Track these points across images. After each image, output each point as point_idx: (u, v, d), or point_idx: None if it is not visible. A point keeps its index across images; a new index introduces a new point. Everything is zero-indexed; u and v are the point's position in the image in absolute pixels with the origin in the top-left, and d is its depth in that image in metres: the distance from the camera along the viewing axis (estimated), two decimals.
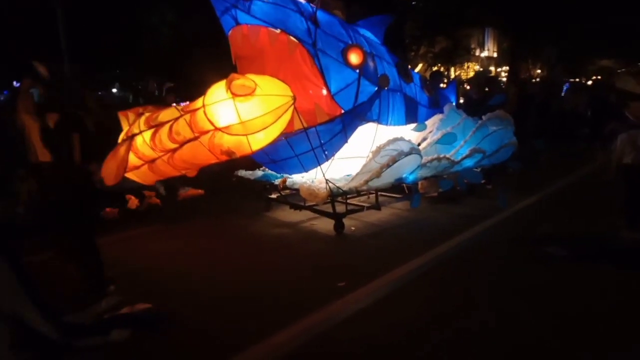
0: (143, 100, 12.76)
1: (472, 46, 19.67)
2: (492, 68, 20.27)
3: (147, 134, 3.96)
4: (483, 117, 5.68)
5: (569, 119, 10.62)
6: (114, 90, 18.97)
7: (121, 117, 4.38)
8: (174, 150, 3.95)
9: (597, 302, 3.19)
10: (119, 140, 4.18)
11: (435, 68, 17.79)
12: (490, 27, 19.44)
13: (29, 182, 4.44)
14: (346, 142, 4.98)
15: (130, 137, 3.99)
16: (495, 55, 20.85)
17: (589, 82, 17.17)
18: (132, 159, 4.09)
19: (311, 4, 5.01)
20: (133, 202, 5.38)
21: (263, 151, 4.95)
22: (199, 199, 6.23)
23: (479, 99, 6.72)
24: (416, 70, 18.36)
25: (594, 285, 3.48)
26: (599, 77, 17.89)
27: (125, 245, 4.61)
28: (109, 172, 3.98)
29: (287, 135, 4.72)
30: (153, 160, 4.06)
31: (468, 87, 6.98)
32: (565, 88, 12.25)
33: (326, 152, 4.85)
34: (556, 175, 7.54)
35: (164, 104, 5.78)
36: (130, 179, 4.41)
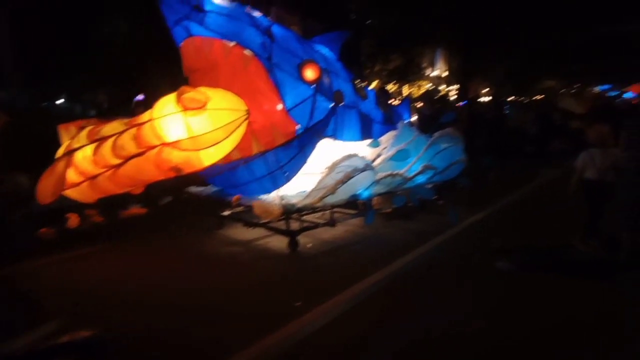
0: (95, 113, 12.16)
1: (424, 65, 20.35)
2: (442, 87, 21.06)
3: (89, 149, 3.70)
4: (434, 134, 5.82)
5: (516, 137, 11.20)
6: (61, 101, 17.92)
7: (61, 130, 4.08)
8: (118, 166, 3.71)
9: (548, 313, 3.29)
10: (57, 155, 3.88)
11: (389, 85, 18.21)
12: (440, 46, 20.20)
13: None
14: (305, 161, 4.95)
15: (70, 152, 3.71)
16: (445, 74, 21.72)
17: (533, 100, 18.23)
18: (72, 176, 3.80)
19: (267, 17, 4.95)
20: (74, 220, 5.00)
21: (221, 176, 4.88)
22: (147, 216, 5.91)
23: (431, 115, 6.90)
24: (371, 87, 18.78)
25: (543, 297, 3.60)
26: (543, 96, 19.05)
27: (67, 267, 4.31)
28: (45, 189, 3.69)
29: (246, 160, 4.67)
30: (95, 177, 3.80)
31: (421, 104, 7.18)
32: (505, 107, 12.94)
33: (287, 174, 4.80)
34: (504, 191, 7.84)
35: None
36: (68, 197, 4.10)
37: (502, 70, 18.31)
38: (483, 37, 15.31)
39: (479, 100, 18.84)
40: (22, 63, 13.20)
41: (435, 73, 21.75)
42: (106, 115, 5.94)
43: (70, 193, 4.01)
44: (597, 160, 4.55)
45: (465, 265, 4.35)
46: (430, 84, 20.75)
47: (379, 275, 4.06)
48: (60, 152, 3.86)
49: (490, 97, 19.45)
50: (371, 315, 3.30)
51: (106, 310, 3.33)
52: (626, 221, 4.11)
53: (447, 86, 21.06)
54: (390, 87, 18.56)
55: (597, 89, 23.13)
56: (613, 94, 21.37)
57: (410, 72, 18.06)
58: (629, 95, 19.06)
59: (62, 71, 14.62)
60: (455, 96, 17.62)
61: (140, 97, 7.14)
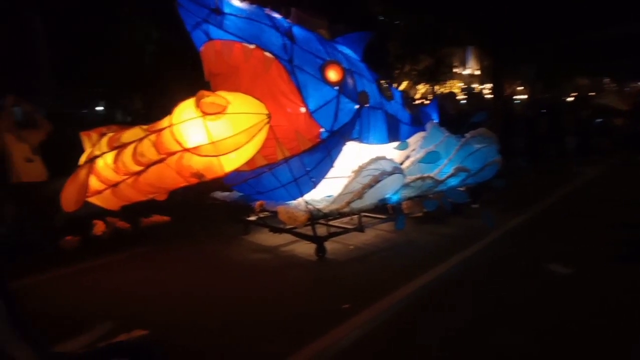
0: (131, 119, 12.51)
1: (455, 64, 19.91)
2: (475, 85, 20.50)
3: (109, 156, 3.66)
4: (466, 135, 5.54)
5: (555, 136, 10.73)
6: (100, 108, 18.62)
7: (83, 137, 4.07)
8: (139, 173, 3.65)
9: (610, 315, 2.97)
10: (80, 163, 3.86)
11: (419, 86, 17.91)
12: (469, 45, 19.74)
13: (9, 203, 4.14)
14: (332, 166, 4.78)
15: (91, 160, 3.68)
16: (477, 72, 21.15)
17: (569, 99, 17.49)
18: (94, 183, 3.77)
19: (287, 19, 4.84)
20: (99, 227, 5.00)
21: (247, 183, 4.80)
22: (172, 224, 5.88)
23: (456, 115, 6.59)
24: (400, 88, 18.51)
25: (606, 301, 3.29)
26: (575, 94, 18.25)
27: (95, 276, 4.30)
28: (69, 197, 3.67)
29: (271, 167, 4.55)
30: (116, 184, 3.75)
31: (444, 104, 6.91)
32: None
33: (313, 180, 4.66)
34: (543, 192, 7.41)
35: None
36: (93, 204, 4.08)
37: (533, 69, 17.69)
38: (512, 35, 14.87)
39: (514, 98, 18.23)
40: (59, 70, 13.85)
41: (467, 72, 21.25)
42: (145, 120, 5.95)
43: (94, 200, 3.99)
44: None
45: (513, 271, 4.06)
46: (462, 83, 20.29)
47: (415, 284, 3.82)
48: (83, 159, 3.84)
49: (526, 96, 18.80)
50: (408, 332, 3.03)
51: (138, 317, 3.24)
52: None
53: (481, 84, 20.54)
54: (421, 88, 18.25)
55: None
56: None
57: (440, 72, 17.71)
58: None
59: (98, 78, 15.22)
60: (490, 95, 17.14)
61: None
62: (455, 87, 19.18)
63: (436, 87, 18.56)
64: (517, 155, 8.68)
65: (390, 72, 16.87)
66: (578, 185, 8.31)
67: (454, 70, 19.88)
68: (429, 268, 4.16)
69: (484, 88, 19.62)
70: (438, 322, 3.15)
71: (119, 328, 2.92)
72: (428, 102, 8.16)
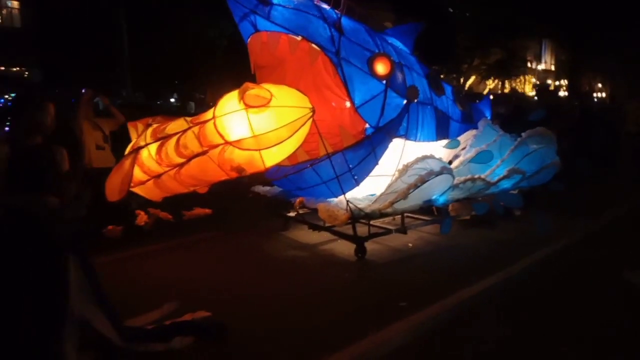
0: (195, 110, 13.08)
1: (529, 58, 18.98)
2: (549, 81, 19.44)
3: (153, 147, 3.66)
4: (523, 134, 5.17)
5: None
6: (172, 100, 19.72)
7: (130, 128, 4.11)
8: (181, 165, 3.63)
9: None
10: (125, 153, 3.90)
11: (489, 81, 17.24)
12: (546, 38, 18.68)
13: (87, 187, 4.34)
14: (377, 164, 4.60)
15: (136, 150, 3.70)
16: (552, 68, 20.00)
17: None
18: (138, 174, 3.79)
19: (335, 10, 4.67)
20: (142, 217, 5.08)
21: (287, 178, 4.71)
22: (213, 217, 5.90)
23: (510, 114, 6.17)
24: (468, 82, 17.87)
25: None
26: None
27: (140, 262, 4.40)
28: (112, 186, 3.70)
29: (312, 163, 4.44)
30: (159, 176, 3.76)
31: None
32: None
33: (356, 177, 4.50)
34: (610, 198, 6.83)
35: None
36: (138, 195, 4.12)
37: (614, 60, 16.37)
38: (592, 27, 13.82)
39: (594, 95, 17.07)
40: (139, 64, 15.03)
41: (541, 67, 20.22)
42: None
43: (138, 190, 4.03)
44: None
45: (579, 285, 3.75)
46: (535, 79, 19.33)
47: (464, 294, 3.58)
48: (128, 149, 3.87)
49: (605, 94, 17.56)
50: (458, 344, 2.84)
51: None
52: None
53: (555, 81, 19.49)
54: (490, 83, 17.56)
55: None
56: None
57: (512, 66, 16.93)
58: None
59: (172, 72, 16.17)
60: (565, 92, 16.19)
61: None
62: (529, 82, 18.28)
63: (507, 82, 17.82)
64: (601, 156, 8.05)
65: (459, 66, 16.34)
66: None
67: (528, 65, 18.95)
68: (476, 276, 3.91)
69: (560, 85, 18.52)
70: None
71: (182, 309, 3.09)
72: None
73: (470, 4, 16.09)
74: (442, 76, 16.58)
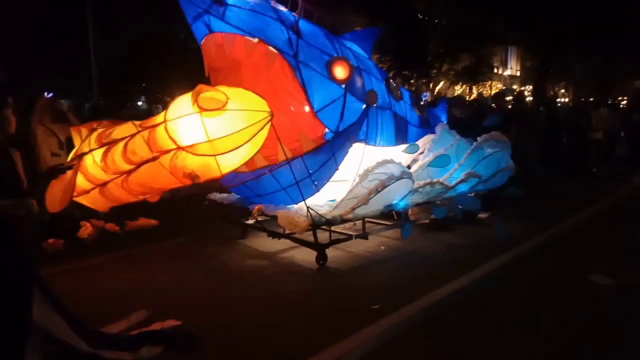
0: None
1: (495, 64, 19.65)
2: (515, 86, 20.18)
3: (98, 153, 3.39)
4: (478, 139, 5.27)
5: (606, 141, 10.23)
6: (140, 103, 19.06)
7: (74, 133, 3.79)
8: (129, 172, 3.39)
9: None
10: (67, 160, 3.59)
11: (457, 86, 17.64)
12: (514, 44, 19.37)
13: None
14: (337, 169, 4.52)
15: (79, 157, 3.41)
16: (518, 73, 20.78)
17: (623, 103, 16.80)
18: (82, 182, 3.50)
19: (293, 12, 4.57)
20: (86, 229, 4.75)
21: (245, 185, 4.57)
22: (166, 225, 5.61)
23: (465, 119, 6.30)
24: (437, 88, 18.24)
25: None
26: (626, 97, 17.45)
27: (85, 275, 4.16)
28: (54, 196, 3.38)
29: (271, 169, 4.32)
30: (105, 184, 3.49)
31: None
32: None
33: (316, 183, 4.40)
34: (572, 204, 6.93)
35: None
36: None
37: (582, 70, 17.16)
38: (560, 35, 14.40)
39: (558, 101, 17.76)
40: (106, 68, 15.14)
41: (507, 72, 20.97)
42: None
43: (82, 200, 3.72)
44: None
45: (546, 289, 3.79)
46: (502, 84, 20.00)
47: (426, 300, 3.54)
48: (71, 156, 3.57)
49: (567, 99, 18.34)
50: (416, 355, 2.79)
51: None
52: None
53: (521, 86, 20.24)
54: (458, 88, 17.98)
55: None
56: None
57: (480, 72, 17.43)
58: None
59: (141, 73, 15.74)
60: (530, 97, 16.81)
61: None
62: (495, 87, 18.88)
63: (474, 88, 18.33)
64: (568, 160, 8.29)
65: (428, 71, 16.65)
66: (619, 196, 7.67)
67: (494, 70, 19.62)
68: (440, 281, 3.90)
69: (524, 89, 19.24)
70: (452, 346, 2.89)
71: (154, 317, 3.07)
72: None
73: (440, 11, 16.50)
74: (412, 81, 16.98)
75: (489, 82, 18.99)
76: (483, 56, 17.27)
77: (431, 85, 17.29)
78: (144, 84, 17.29)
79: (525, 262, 4.54)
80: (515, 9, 14.35)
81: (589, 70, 17.29)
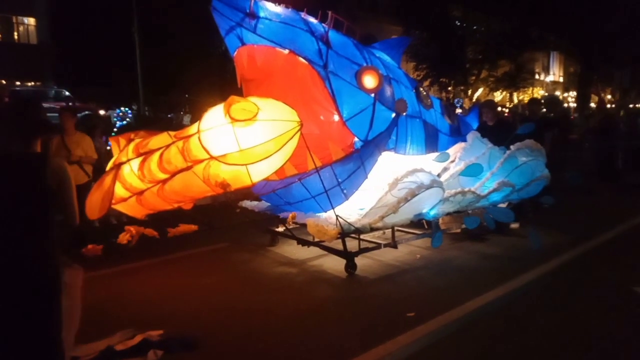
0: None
1: (537, 70, 19.27)
2: (558, 92, 19.66)
3: (135, 163, 3.54)
4: (512, 147, 5.15)
5: None
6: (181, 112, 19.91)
7: (112, 143, 3.99)
8: (165, 181, 3.52)
9: None
10: (107, 169, 3.77)
11: (497, 92, 17.41)
12: (555, 50, 18.92)
13: None
14: (366, 177, 4.54)
15: (117, 166, 3.57)
16: (561, 79, 20.21)
17: None
18: (120, 190, 3.66)
19: (323, 24, 4.64)
20: (125, 235, 4.92)
21: (275, 194, 4.64)
22: (199, 232, 5.75)
23: (495, 126, 6.14)
24: (476, 94, 18.03)
25: None
26: None
27: (121, 280, 4.28)
28: (93, 204, 3.56)
29: (301, 177, 4.38)
30: (141, 192, 3.63)
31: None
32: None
33: (345, 191, 4.42)
34: (612, 215, 6.65)
35: None
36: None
37: (628, 75, 16.59)
38: (605, 40, 13.94)
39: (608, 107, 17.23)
40: (152, 78, 16.41)
41: (549, 78, 20.48)
42: None
43: (119, 208, 3.89)
44: None
45: (586, 300, 3.68)
46: (544, 91, 19.55)
47: (458, 312, 3.48)
48: (110, 165, 3.75)
49: (613, 105, 17.71)
50: None
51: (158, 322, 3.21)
52: None
53: (564, 92, 19.73)
54: (498, 95, 17.77)
55: None
56: None
57: (520, 78, 17.11)
58: None
59: (185, 85, 16.61)
60: (574, 103, 16.39)
61: None
62: (537, 94, 18.47)
63: (515, 94, 18.05)
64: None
65: (466, 78, 16.48)
66: None
67: (536, 77, 19.24)
68: (472, 291, 3.83)
69: (568, 96, 18.73)
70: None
71: (161, 324, 3.08)
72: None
73: (478, 17, 16.31)
74: (450, 88, 16.79)
75: (530, 88, 18.49)
76: (523, 62, 16.86)
77: (469, 92, 17.04)
78: (187, 95, 18.00)
79: (564, 273, 4.40)
80: (553, 14, 13.96)
81: (635, 76, 16.58)
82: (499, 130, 5.75)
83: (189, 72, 16.26)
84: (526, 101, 16.32)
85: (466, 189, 4.75)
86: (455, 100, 14.96)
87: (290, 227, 4.99)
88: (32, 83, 19.65)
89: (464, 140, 5.60)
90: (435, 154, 5.21)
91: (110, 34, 16.67)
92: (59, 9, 18.95)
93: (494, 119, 6.20)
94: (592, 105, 18.17)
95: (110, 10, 17.00)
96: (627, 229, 6.01)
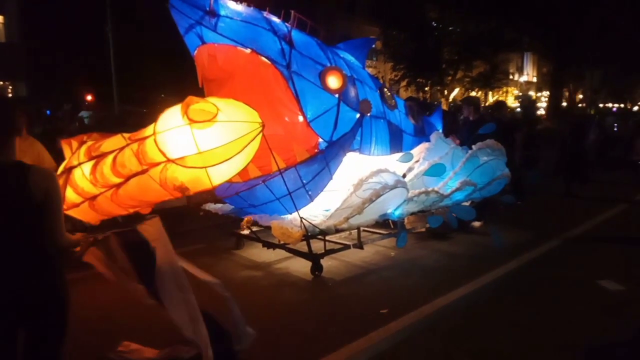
0: None
1: (511, 70, 19.79)
2: (531, 92, 20.22)
3: (87, 166, 3.36)
4: (473, 147, 5.25)
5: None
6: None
7: (64, 145, 3.77)
8: (119, 186, 3.35)
9: None
10: (57, 173, 3.56)
11: (472, 93, 17.73)
12: (529, 51, 19.45)
13: None
14: (331, 178, 4.50)
15: (68, 170, 3.38)
16: (535, 79, 20.78)
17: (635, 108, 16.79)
18: (71, 195, 3.47)
19: (286, 23, 4.57)
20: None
21: (239, 196, 4.53)
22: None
23: (476, 121, 6.25)
24: (452, 95, 18.28)
25: None
26: None
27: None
28: None
29: (265, 179, 4.29)
30: (94, 197, 3.45)
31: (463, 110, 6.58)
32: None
33: (310, 193, 4.37)
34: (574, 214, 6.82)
35: None
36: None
37: (598, 76, 17.22)
38: (578, 40, 14.38)
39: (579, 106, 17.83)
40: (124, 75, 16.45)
41: (523, 79, 21.03)
42: None
43: (72, 213, 3.68)
44: None
45: (553, 300, 3.74)
46: (518, 91, 20.08)
47: (424, 310, 3.51)
48: (61, 169, 3.54)
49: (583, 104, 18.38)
50: None
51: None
52: None
53: (537, 92, 20.29)
54: (474, 94, 18.13)
55: None
56: None
57: (495, 79, 17.50)
58: None
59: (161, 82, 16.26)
60: (546, 102, 16.90)
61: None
62: (511, 94, 18.93)
63: (490, 94, 18.44)
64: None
65: (442, 78, 16.70)
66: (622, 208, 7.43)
67: (510, 77, 19.76)
68: (438, 291, 3.87)
69: (541, 95, 19.30)
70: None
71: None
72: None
73: (452, 20, 16.61)
74: (427, 88, 16.99)
75: (505, 88, 19.02)
76: (498, 63, 17.31)
77: (446, 92, 17.36)
78: (162, 95, 17.73)
79: (529, 270, 4.51)
80: (527, 15, 14.36)
81: (604, 77, 17.30)
82: (480, 126, 5.80)
83: (164, 71, 16.01)
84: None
85: (430, 189, 4.80)
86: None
87: (255, 229, 4.89)
88: (1, 82, 18.87)
89: (428, 141, 5.66)
90: (399, 154, 5.23)
91: (83, 32, 16.31)
92: (27, 7, 18.30)
93: (475, 115, 6.33)
94: (564, 104, 18.87)
95: (82, 8, 16.60)
96: (593, 226, 6.22)
